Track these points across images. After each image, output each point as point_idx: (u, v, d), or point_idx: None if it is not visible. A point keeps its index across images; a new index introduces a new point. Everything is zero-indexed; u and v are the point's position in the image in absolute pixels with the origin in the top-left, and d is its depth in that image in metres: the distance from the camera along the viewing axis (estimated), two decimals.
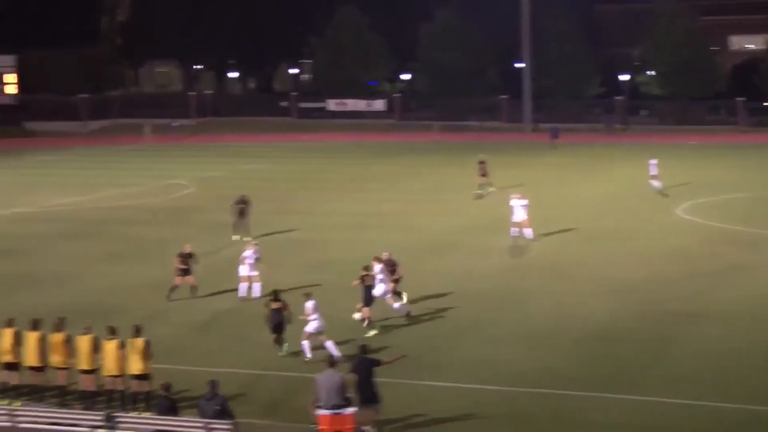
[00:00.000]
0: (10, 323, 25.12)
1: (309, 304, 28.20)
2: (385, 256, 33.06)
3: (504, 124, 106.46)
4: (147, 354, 24.14)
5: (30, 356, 24.69)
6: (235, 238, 44.20)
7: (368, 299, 31.05)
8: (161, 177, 68.67)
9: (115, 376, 24.22)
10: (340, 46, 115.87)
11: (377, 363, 23.03)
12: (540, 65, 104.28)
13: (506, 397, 25.32)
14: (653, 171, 56.52)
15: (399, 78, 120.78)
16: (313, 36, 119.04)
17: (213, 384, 21.93)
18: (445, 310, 33.36)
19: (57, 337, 24.63)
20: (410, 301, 32.93)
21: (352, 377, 22.69)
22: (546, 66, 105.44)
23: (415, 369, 26.70)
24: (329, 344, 27.71)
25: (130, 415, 22.75)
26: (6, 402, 24.32)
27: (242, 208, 45.31)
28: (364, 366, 22.88)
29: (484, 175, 57.58)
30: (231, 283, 35.90)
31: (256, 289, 34.71)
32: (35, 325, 24.96)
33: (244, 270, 35.06)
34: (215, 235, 45.95)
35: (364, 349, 23.47)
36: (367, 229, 48.30)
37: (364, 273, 31.29)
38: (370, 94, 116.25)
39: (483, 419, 23.97)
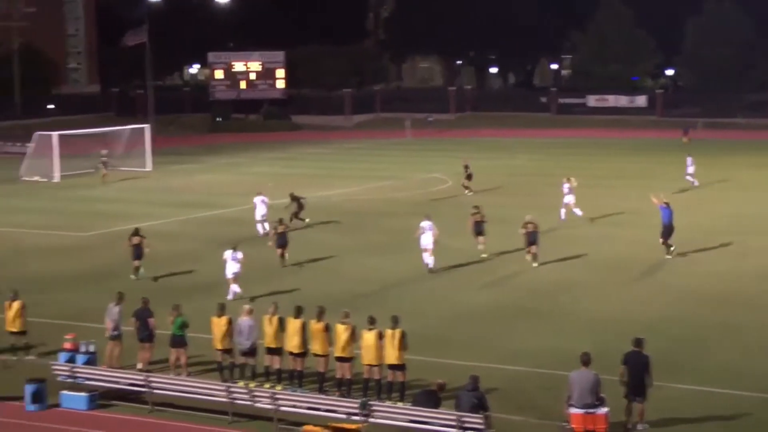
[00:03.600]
0: (274, 311, 25.96)
1: None
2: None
3: None
4: (403, 345, 24.52)
5: (292, 342, 25.51)
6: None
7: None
8: (420, 170, 69.61)
9: (373, 365, 24.72)
10: (602, 41, 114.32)
11: (648, 359, 22.71)
12: None
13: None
14: None
15: (663, 73, 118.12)
16: (574, 30, 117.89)
17: (474, 378, 22.11)
18: (706, 312, 32.51)
19: (317, 326, 25.36)
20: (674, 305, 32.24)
21: (623, 369, 22.58)
22: None
23: (674, 371, 26.09)
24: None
25: (385, 404, 23.20)
26: (268, 385, 25.27)
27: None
28: (637, 360, 22.62)
29: (468, 177, 58.54)
30: (493, 280, 36.04)
31: None
32: (298, 313, 25.75)
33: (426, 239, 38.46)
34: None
35: (639, 343, 23.10)
36: (622, 226, 47.63)
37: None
38: (631, 90, 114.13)
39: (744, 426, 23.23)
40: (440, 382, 22.78)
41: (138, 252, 38.07)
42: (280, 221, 40.85)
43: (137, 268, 38.01)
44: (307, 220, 48.92)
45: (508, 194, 56.44)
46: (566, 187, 49.25)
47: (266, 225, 45.00)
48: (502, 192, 58.66)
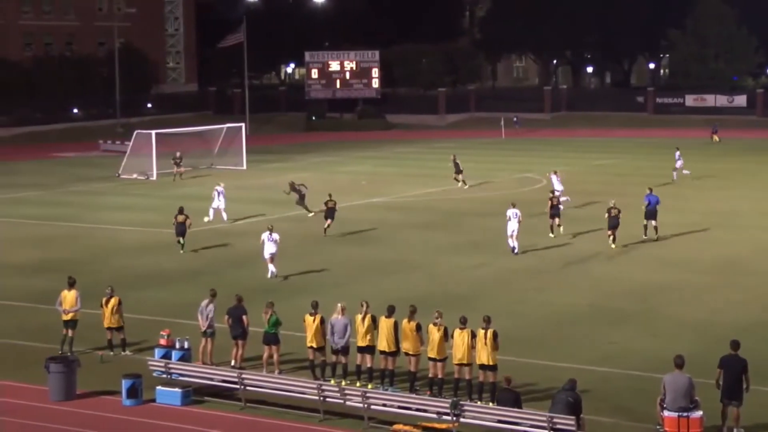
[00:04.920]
0: (367, 310, 26.02)
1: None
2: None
3: None
4: (495, 345, 24.44)
5: (383, 341, 25.59)
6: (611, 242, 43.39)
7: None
8: (514, 170, 69.34)
9: (464, 365, 24.69)
10: (702, 39, 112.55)
11: (745, 363, 22.39)
12: None
13: None
14: None
15: (764, 73, 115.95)
16: (672, 29, 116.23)
17: (572, 380, 22.03)
18: None
19: (409, 325, 25.38)
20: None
21: (719, 372, 22.33)
22: None
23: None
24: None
25: (475, 404, 23.17)
26: (359, 384, 25.38)
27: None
28: (734, 363, 22.33)
29: (457, 171, 61.43)
30: (585, 281, 35.83)
31: None
32: (390, 312, 25.80)
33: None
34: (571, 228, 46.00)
35: (736, 346, 22.75)
36: (716, 228, 46.99)
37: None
38: (731, 90, 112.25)
39: None
40: (507, 376, 22.74)
41: (182, 229, 42.94)
42: (330, 196, 46.79)
43: (181, 243, 42.89)
44: (311, 214, 50.29)
45: (600, 194, 55.62)
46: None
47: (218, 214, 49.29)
48: (594, 192, 58.02)
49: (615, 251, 42.07)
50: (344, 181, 62.28)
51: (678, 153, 65.11)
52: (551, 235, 45.19)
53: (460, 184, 61.09)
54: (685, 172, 64.10)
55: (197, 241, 44.65)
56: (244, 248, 43.02)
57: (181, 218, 42.99)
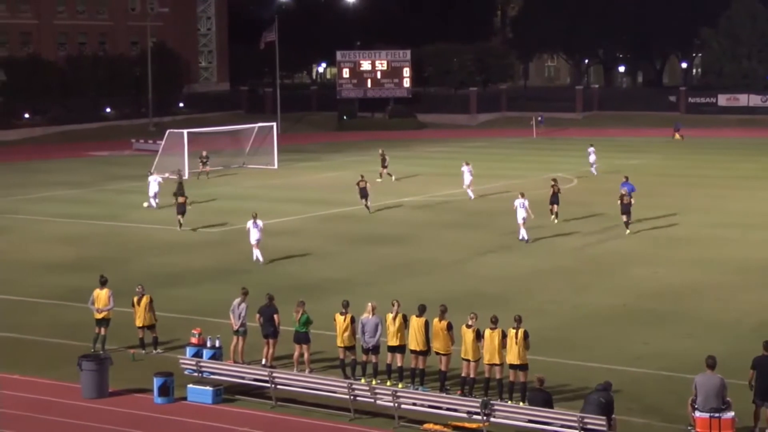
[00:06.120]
0: (398, 309, 26.01)
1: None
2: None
3: None
4: (526, 345, 24.40)
5: (414, 340, 25.59)
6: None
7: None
8: (545, 170, 69.11)
9: (494, 365, 24.65)
10: (735, 38, 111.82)
11: None
12: None
13: None
14: None
15: None
16: (705, 28, 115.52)
17: (607, 382, 21.99)
18: None
19: (440, 324, 25.37)
20: None
21: (752, 373, 22.24)
22: None
23: None
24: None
25: (506, 404, 23.14)
26: (390, 383, 25.40)
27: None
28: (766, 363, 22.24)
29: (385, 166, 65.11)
30: (618, 282, 35.72)
31: None
32: (421, 311, 25.80)
33: None
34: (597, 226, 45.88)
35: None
36: (747, 228, 46.73)
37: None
38: (764, 89, 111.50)
39: None
40: (540, 376, 22.65)
41: (182, 209, 48.06)
42: (362, 177, 52.68)
43: (179, 223, 47.82)
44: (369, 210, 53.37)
45: (643, 194, 55.22)
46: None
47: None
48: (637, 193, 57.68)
49: (633, 237, 44.22)
50: (374, 181, 62.22)
51: (592, 149, 67.82)
52: (555, 220, 48.21)
53: (383, 178, 63.88)
54: (593, 170, 67.03)
55: (227, 240, 44.80)
56: (275, 247, 43.08)
57: (182, 199, 48.34)
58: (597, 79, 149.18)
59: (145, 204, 55.23)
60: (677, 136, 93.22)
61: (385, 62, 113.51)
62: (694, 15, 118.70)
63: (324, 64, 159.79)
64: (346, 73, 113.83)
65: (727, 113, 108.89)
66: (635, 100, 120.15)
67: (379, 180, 63.40)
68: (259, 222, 40.44)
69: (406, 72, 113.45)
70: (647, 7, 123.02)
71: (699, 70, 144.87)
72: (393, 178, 65.13)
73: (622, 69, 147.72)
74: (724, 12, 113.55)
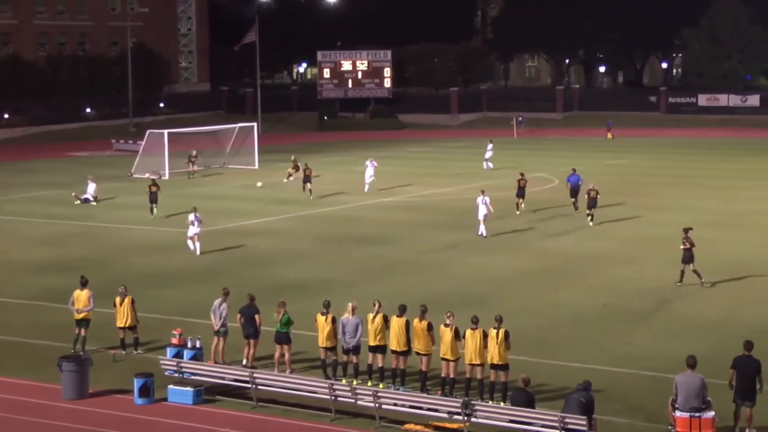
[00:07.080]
0: (378, 309, 26.01)
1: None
2: None
3: None
4: (507, 345, 24.41)
5: (395, 340, 25.57)
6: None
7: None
8: (526, 170, 68.99)
9: (475, 365, 24.65)
10: (715, 39, 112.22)
11: (759, 364, 22.33)
12: None
13: None
14: None
15: None
16: (685, 28, 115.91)
17: (587, 381, 22.04)
18: None
19: (420, 325, 25.36)
20: None
21: (732, 373, 22.31)
22: None
23: None
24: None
25: (487, 404, 23.14)
26: (371, 384, 25.38)
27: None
28: (748, 364, 22.29)
29: (296, 169, 63.74)
30: (599, 281, 35.74)
31: None
32: (401, 311, 25.78)
33: None
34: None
35: (750, 347, 22.66)
36: (729, 228, 46.86)
37: None
38: (744, 89, 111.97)
39: None
40: (524, 377, 22.67)
41: (154, 197, 51.19)
42: (306, 165, 58.00)
43: (152, 209, 51.13)
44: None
45: (614, 194, 55.69)
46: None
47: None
48: (607, 192, 57.85)
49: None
50: (356, 181, 62.22)
51: (490, 145, 71.28)
52: (517, 212, 50.83)
53: (289, 179, 64.02)
54: (489, 165, 70.09)
55: (210, 241, 44.73)
56: (257, 248, 43.00)
57: (154, 188, 51.47)
58: (578, 80, 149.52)
59: (77, 201, 57.01)
60: (609, 135, 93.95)
61: (365, 62, 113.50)
62: (676, 16, 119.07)
63: (305, 65, 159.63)
64: (326, 73, 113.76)
65: (707, 113, 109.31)
66: (615, 100, 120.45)
67: (290, 179, 63.67)
68: (198, 215, 42.58)
69: (387, 72, 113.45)
70: (628, 7, 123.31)
71: (679, 70, 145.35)
72: (311, 196, 58.20)
73: (602, 69, 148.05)
74: (705, 13, 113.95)
